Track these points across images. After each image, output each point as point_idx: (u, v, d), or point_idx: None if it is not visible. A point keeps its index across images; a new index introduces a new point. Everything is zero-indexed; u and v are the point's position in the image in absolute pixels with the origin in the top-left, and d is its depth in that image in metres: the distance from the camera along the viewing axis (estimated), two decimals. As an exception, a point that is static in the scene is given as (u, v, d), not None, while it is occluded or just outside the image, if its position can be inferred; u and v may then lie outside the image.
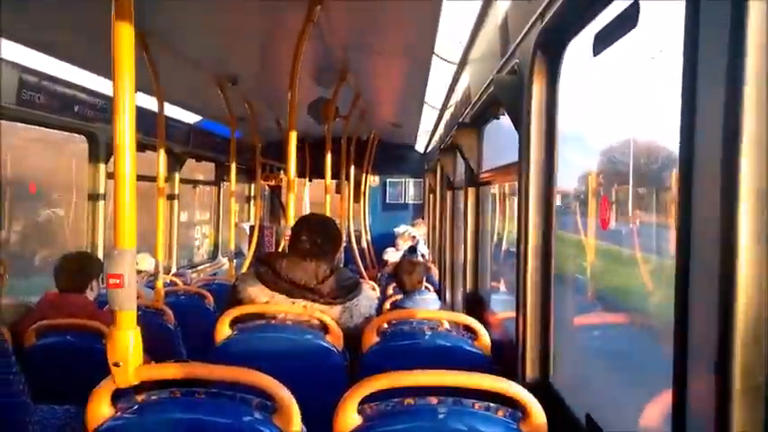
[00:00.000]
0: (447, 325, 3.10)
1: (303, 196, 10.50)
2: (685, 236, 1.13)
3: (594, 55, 1.82)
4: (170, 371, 1.89)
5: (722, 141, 1.01)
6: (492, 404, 1.71)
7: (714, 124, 1.03)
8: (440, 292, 6.66)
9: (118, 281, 1.77)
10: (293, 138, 3.86)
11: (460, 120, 4.71)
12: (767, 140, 0.99)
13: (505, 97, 2.64)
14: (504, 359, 2.80)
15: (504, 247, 5.90)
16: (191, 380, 1.83)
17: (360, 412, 1.70)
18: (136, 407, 1.71)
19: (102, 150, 5.31)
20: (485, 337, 2.74)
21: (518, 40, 2.55)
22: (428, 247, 8.96)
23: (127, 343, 1.79)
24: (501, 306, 4.47)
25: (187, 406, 1.73)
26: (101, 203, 5.38)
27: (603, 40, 1.77)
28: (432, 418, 1.67)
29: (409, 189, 11.19)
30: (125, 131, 1.81)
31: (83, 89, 4.83)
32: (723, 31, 1.00)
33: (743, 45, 0.98)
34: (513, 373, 2.51)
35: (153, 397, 1.73)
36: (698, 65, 1.10)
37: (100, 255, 5.20)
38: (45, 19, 3.52)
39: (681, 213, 1.14)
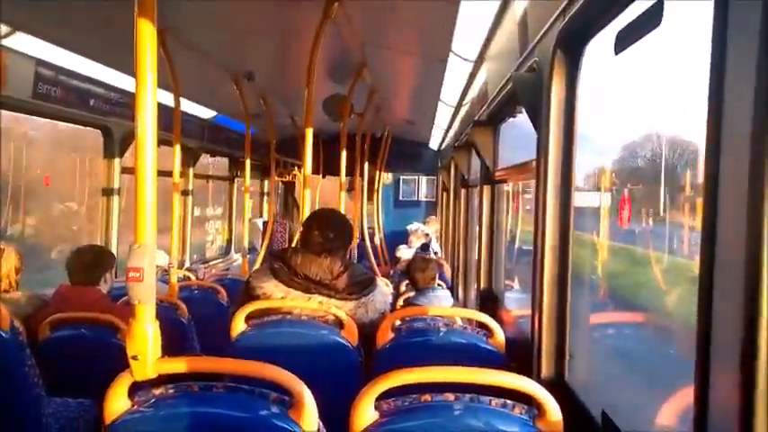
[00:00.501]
0: (460, 322, 3.10)
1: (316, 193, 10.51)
2: (710, 235, 1.11)
3: (616, 54, 1.81)
4: (189, 364, 1.88)
5: (750, 140, 0.99)
6: (508, 401, 1.70)
7: (742, 123, 1.02)
8: (452, 290, 6.65)
9: (137, 274, 1.78)
10: (309, 134, 3.86)
11: (476, 117, 4.69)
12: None
13: (524, 95, 2.62)
14: (518, 357, 2.79)
15: (517, 244, 5.88)
16: (205, 374, 1.83)
17: (376, 408, 1.69)
18: (153, 400, 1.71)
19: (116, 145, 5.34)
20: (499, 335, 2.73)
21: (538, 38, 2.53)
22: (440, 245, 8.93)
23: (146, 336, 1.80)
24: (516, 304, 4.46)
25: (204, 400, 1.73)
26: (115, 197, 5.40)
27: (626, 39, 1.75)
28: (449, 415, 1.67)
29: (422, 186, 11.18)
30: (146, 127, 1.81)
31: (98, 83, 4.84)
32: (753, 29, 0.99)
33: None
34: (527, 370, 2.50)
35: (170, 390, 1.73)
36: (726, 63, 1.08)
37: (113, 248, 5.23)
38: (62, 14, 3.54)
39: (707, 213, 1.13)
